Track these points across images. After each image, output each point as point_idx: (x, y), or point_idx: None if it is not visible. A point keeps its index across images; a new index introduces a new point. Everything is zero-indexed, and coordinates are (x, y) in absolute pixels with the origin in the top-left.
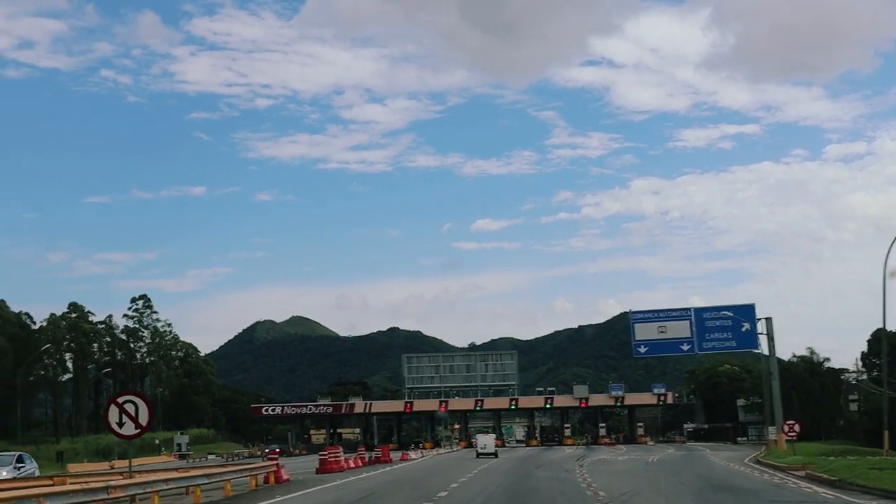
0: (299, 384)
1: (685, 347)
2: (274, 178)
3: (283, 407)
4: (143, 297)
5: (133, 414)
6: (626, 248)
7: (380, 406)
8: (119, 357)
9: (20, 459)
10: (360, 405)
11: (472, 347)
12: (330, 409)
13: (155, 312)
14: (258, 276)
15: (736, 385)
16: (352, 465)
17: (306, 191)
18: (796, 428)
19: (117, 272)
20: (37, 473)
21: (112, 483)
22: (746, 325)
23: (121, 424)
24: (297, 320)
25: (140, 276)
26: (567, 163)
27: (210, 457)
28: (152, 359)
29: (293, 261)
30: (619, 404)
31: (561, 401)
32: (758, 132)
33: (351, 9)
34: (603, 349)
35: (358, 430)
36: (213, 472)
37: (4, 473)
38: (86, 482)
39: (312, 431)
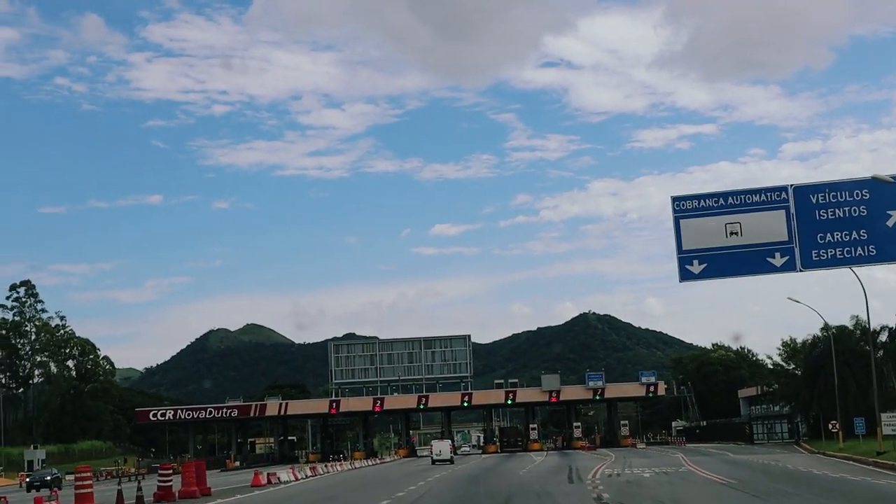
0: (254, 393)
1: (778, 260)
2: (231, 186)
3: (175, 410)
4: (25, 283)
5: None
6: (584, 251)
7: (299, 407)
8: None
9: None
10: (273, 406)
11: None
12: (236, 413)
13: (40, 302)
14: (215, 285)
15: (732, 374)
16: None
17: (264, 198)
18: None
19: (74, 283)
20: None
21: None
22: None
23: None
24: (252, 328)
25: (97, 286)
26: (525, 165)
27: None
28: (40, 358)
29: (250, 269)
30: (598, 398)
31: (526, 395)
32: (715, 132)
33: (299, 10)
34: (564, 351)
35: (272, 440)
36: None
37: None
38: None
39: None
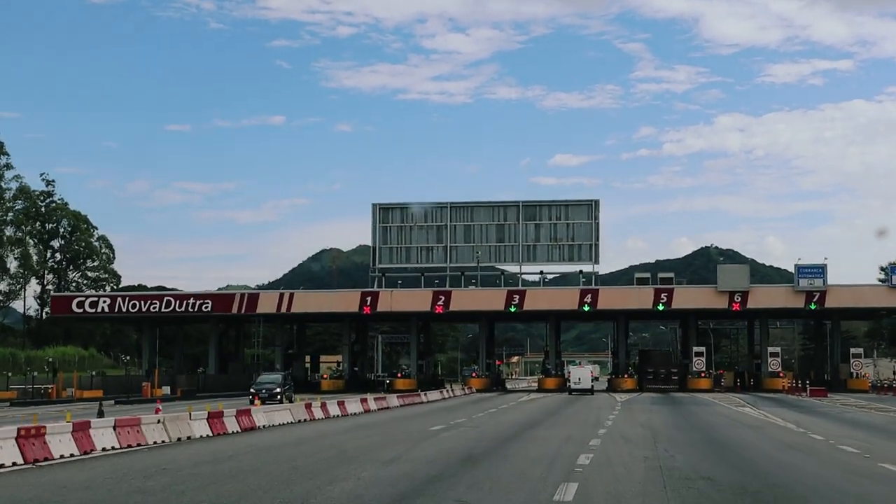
0: None
1: None
2: (354, 109)
3: (114, 299)
4: None
5: None
6: (706, 187)
7: (313, 302)
8: None
9: None
10: (269, 299)
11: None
12: (209, 306)
13: (6, 155)
14: (334, 207)
15: None
16: None
17: (386, 122)
18: None
19: (196, 202)
20: None
21: None
22: None
23: None
24: (365, 249)
25: (218, 206)
26: (651, 97)
27: None
28: (13, 233)
29: (369, 192)
30: (812, 307)
31: (688, 298)
32: (851, 68)
33: None
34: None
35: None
36: None
37: None
38: None
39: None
